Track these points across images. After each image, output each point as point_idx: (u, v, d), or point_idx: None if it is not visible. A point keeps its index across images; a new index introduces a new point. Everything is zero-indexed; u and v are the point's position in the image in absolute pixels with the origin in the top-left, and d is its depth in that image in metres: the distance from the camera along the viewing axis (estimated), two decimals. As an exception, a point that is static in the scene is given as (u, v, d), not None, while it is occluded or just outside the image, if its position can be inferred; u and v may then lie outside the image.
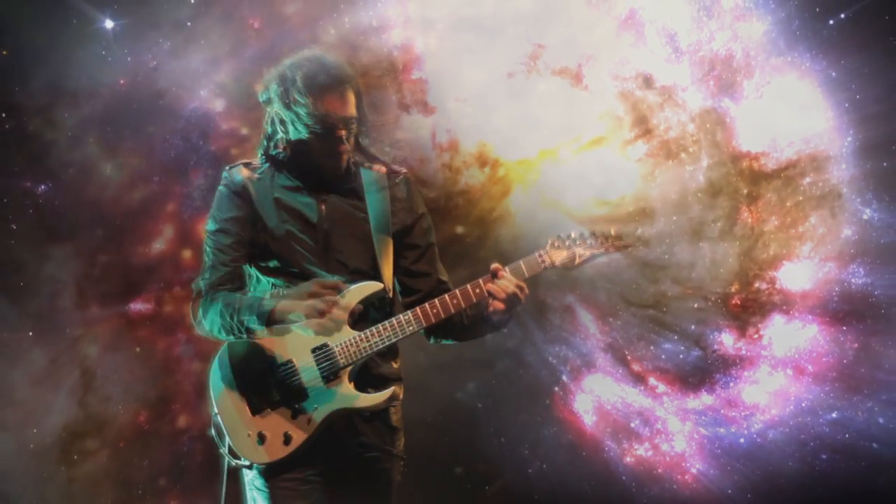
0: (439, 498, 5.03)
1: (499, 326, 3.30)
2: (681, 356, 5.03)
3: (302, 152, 3.25)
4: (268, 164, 3.35)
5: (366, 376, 3.22)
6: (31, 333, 4.93)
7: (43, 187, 4.95)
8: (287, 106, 3.18)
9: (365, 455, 3.23)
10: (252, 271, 3.32)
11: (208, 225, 3.34)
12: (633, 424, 5.14)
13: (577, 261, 3.21)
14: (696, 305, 5.01)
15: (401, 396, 3.34)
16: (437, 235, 3.43)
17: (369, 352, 3.17)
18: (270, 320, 3.10)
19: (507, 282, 3.17)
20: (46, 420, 4.92)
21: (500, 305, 3.18)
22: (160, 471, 5.03)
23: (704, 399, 5.07)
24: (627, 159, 4.98)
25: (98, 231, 5.02)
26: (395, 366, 3.34)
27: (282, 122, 3.24)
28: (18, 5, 4.76)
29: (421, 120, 5.00)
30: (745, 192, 4.92)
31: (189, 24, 4.85)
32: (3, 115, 4.85)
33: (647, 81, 4.93)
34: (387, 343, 3.18)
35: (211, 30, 4.86)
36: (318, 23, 4.84)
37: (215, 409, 3.21)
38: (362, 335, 3.18)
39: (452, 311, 3.18)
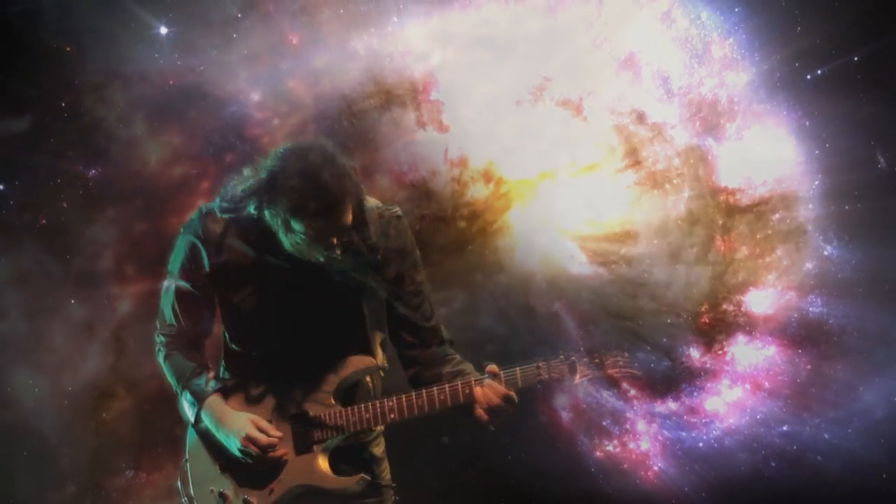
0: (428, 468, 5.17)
1: (483, 427, 3.06)
2: (652, 365, 5.32)
3: (293, 247, 2.97)
4: (249, 218, 3.00)
5: (342, 454, 3.07)
6: (72, 290, 5.27)
7: (92, 171, 5.41)
8: (274, 218, 2.92)
9: (349, 492, 3.05)
10: (224, 322, 3.14)
11: (169, 267, 3.15)
12: (604, 423, 5.45)
13: (577, 379, 3.02)
14: (669, 321, 5.33)
15: (381, 429, 3.21)
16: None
17: (346, 433, 3.01)
18: (198, 419, 3.01)
19: (492, 393, 2.92)
20: (81, 368, 5.21)
21: (482, 415, 2.96)
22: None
23: (670, 405, 5.39)
24: (617, 185, 5.33)
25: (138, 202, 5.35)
26: (376, 448, 3.18)
27: (273, 216, 2.94)
28: (83, 6, 5.22)
29: (436, 137, 5.35)
30: (720, 222, 5.26)
31: (235, 35, 5.25)
32: (63, 104, 5.26)
33: (640, 117, 5.27)
34: (366, 427, 3.00)
35: (254, 41, 5.31)
36: (348, 43, 5.23)
37: (186, 456, 3.11)
38: (343, 412, 3.00)
39: (437, 406, 2.98)
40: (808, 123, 5.08)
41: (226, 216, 3.01)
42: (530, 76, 5.29)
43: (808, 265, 5.17)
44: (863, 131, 4.92)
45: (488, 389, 2.92)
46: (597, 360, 3.01)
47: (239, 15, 5.23)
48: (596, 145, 5.33)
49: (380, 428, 3.18)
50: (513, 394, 2.93)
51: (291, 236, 2.88)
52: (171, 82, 5.30)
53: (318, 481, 2.95)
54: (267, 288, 3.01)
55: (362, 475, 3.00)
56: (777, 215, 5.22)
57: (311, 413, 2.97)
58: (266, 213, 2.91)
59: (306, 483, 2.95)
